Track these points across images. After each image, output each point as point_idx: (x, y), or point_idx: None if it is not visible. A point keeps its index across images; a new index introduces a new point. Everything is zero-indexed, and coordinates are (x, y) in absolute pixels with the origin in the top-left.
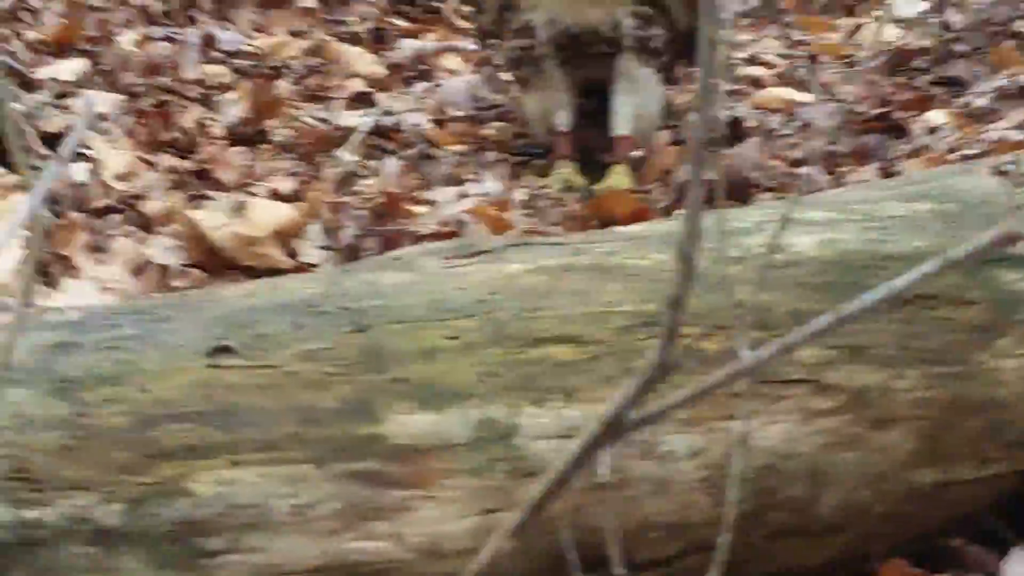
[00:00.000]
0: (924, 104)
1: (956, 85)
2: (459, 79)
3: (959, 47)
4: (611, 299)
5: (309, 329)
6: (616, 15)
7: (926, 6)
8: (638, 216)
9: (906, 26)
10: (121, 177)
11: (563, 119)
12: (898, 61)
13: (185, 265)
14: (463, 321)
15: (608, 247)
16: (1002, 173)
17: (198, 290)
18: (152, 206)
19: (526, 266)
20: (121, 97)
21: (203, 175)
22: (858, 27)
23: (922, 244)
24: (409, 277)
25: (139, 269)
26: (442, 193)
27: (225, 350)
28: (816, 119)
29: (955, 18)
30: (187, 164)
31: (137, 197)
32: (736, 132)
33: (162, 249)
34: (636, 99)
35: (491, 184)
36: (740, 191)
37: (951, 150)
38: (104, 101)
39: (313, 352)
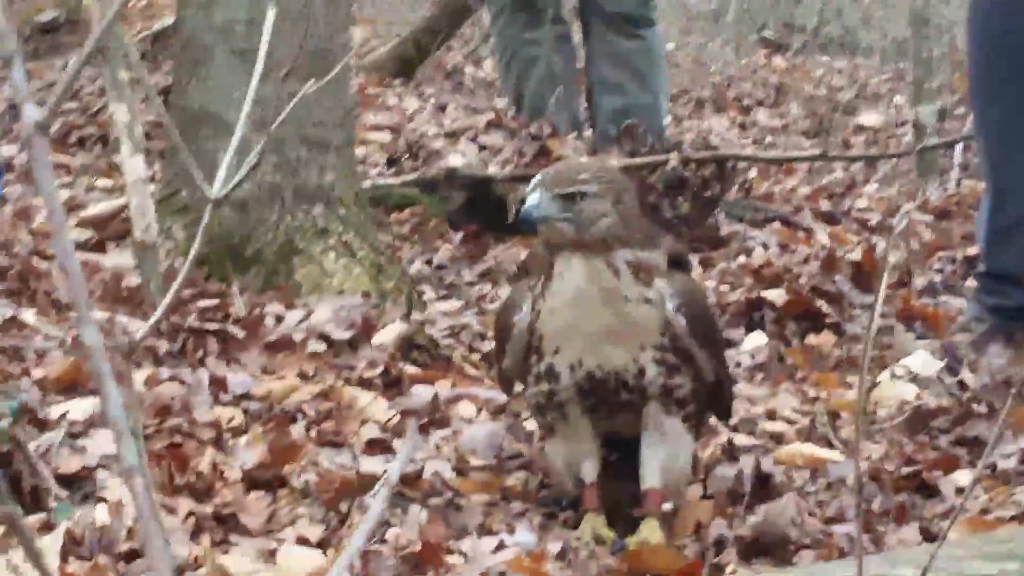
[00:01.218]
0: (950, 464)
1: (978, 446)
2: (479, 426)
3: (978, 407)
4: None
5: None
6: (640, 361)
7: (940, 365)
8: (687, 572)
9: (922, 384)
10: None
11: (589, 470)
12: (918, 420)
13: None
14: None
15: None
16: None
17: None
18: (177, 551)
19: None
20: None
21: (224, 520)
22: (874, 385)
23: None
24: None
25: None
26: (474, 544)
27: None
28: (845, 477)
29: (970, 377)
30: (207, 508)
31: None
32: (764, 488)
33: None
34: (664, 450)
35: (523, 535)
36: (780, 549)
37: (984, 511)
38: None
39: None
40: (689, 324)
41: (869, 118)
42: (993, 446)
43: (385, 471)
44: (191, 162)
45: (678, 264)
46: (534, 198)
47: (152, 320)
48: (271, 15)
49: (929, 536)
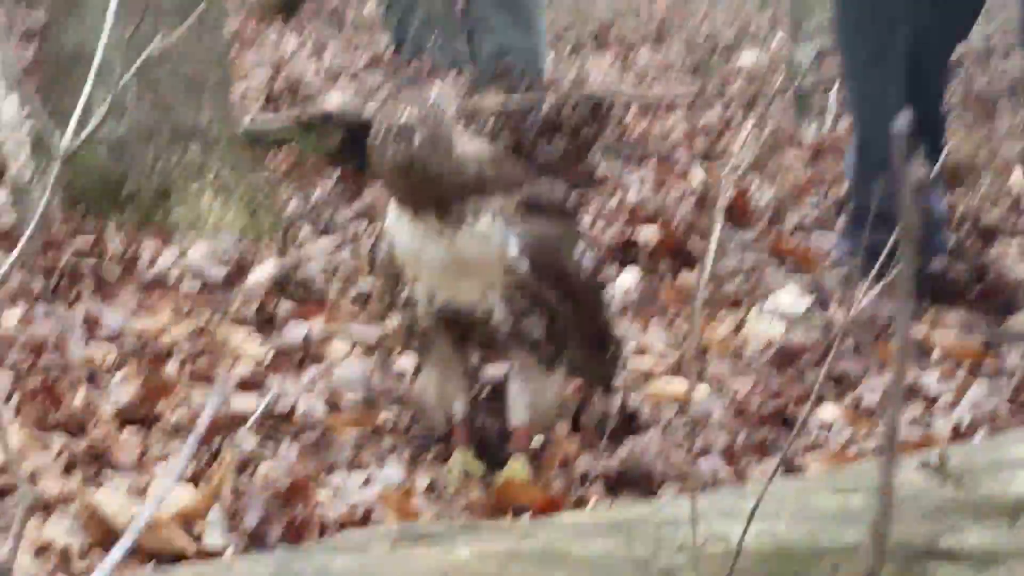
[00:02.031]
0: (815, 399)
1: (844, 381)
2: (352, 363)
3: (845, 343)
4: None
5: None
6: (488, 300)
7: (809, 302)
8: (551, 506)
9: (791, 321)
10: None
11: (460, 406)
12: (785, 356)
13: (87, 547)
14: None
15: (552, 535)
16: (928, 468)
17: None
18: (49, 487)
19: (473, 551)
20: (7, 376)
21: (97, 456)
22: (743, 321)
23: (856, 537)
24: (360, 561)
25: (40, 551)
26: (343, 479)
27: None
28: (711, 412)
29: (839, 314)
30: (79, 445)
31: (33, 477)
32: (632, 423)
33: (63, 531)
34: (530, 388)
35: (393, 470)
36: (644, 483)
37: (846, 445)
38: None
39: None
40: (535, 271)
41: (749, 57)
42: (821, 381)
43: (257, 407)
44: (43, 116)
45: (538, 209)
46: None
47: (6, 267)
48: None
49: (791, 470)
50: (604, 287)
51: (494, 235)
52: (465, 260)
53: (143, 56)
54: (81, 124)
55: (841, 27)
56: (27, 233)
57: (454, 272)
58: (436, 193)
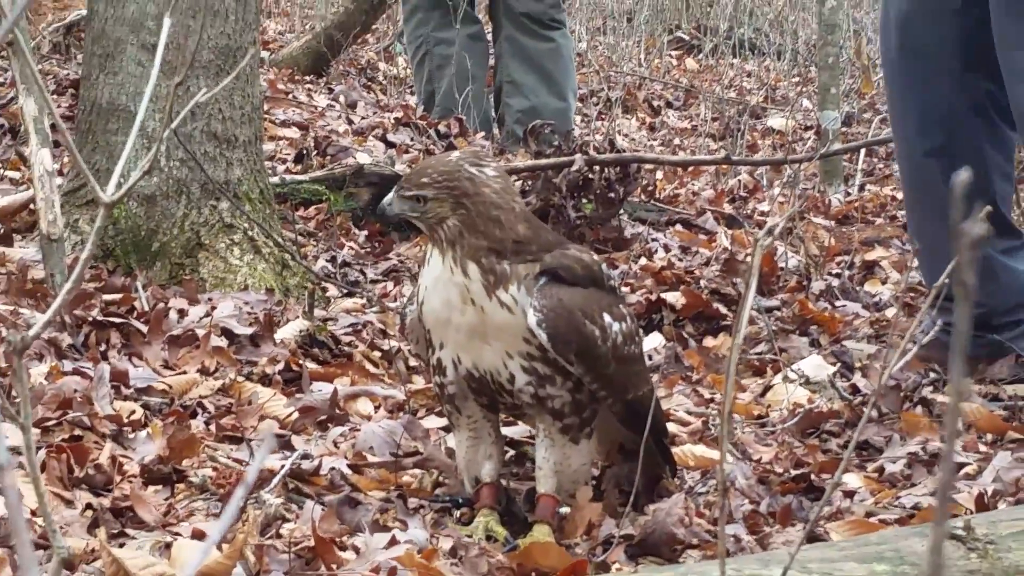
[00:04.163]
0: (838, 467)
1: (868, 449)
2: (376, 424)
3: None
4: None
5: None
6: (509, 367)
7: (833, 369)
8: (574, 570)
9: (815, 389)
10: (39, 512)
11: (489, 470)
12: (809, 423)
13: None
14: None
15: None
16: (954, 537)
17: None
18: (73, 543)
19: None
20: (33, 431)
21: (121, 513)
22: (767, 388)
23: None
24: None
25: None
26: (367, 540)
27: None
28: (735, 478)
29: (862, 382)
30: (104, 501)
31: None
32: (655, 488)
33: None
34: (555, 456)
35: (416, 532)
36: (667, 548)
37: (868, 514)
38: (15, 435)
39: None
40: (552, 340)
41: (776, 121)
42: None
43: (282, 466)
44: (85, 168)
45: (561, 278)
46: (389, 196)
47: (45, 317)
48: (167, 22)
49: (813, 538)
50: (639, 357)
51: (516, 303)
52: (487, 326)
53: (182, 114)
54: (126, 177)
55: (889, 105)
56: (65, 287)
57: (477, 338)
58: (494, 240)
